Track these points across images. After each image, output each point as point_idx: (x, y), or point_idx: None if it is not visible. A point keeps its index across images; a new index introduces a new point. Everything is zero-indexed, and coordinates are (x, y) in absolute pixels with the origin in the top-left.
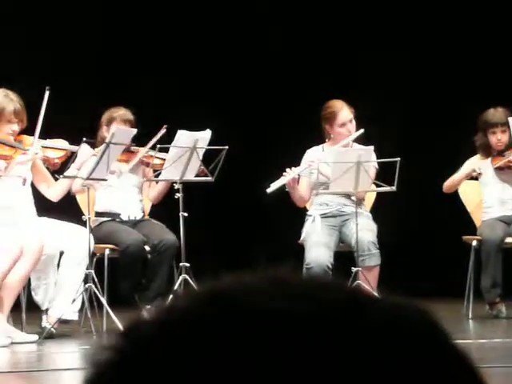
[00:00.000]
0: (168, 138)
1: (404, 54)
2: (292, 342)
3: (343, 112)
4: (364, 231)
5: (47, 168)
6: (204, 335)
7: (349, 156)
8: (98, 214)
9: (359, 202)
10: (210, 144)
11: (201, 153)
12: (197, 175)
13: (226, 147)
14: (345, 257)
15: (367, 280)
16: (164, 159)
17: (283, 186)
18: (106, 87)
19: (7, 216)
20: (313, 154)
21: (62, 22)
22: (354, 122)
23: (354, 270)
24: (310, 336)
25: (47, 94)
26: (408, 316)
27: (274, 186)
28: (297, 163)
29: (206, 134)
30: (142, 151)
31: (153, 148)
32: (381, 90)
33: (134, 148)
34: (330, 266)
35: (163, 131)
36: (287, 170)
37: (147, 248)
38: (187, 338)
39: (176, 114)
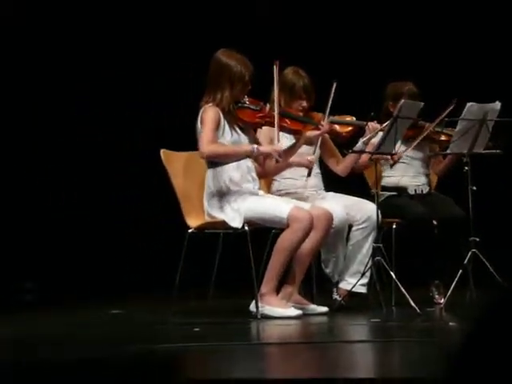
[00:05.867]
0: (456, 111)
1: None
2: None
3: None
4: None
5: (335, 144)
6: None
7: None
8: (385, 189)
9: None
10: (499, 116)
11: (490, 125)
12: (485, 148)
13: None
14: None
15: None
16: (450, 135)
17: None
18: (388, 60)
19: (298, 190)
20: None
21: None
22: None
23: None
24: None
25: (334, 85)
26: None
27: None
28: None
29: (495, 106)
30: (429, 127)
31: (440, 123)
32: None
33: (420, 122)
34: None
35: (452, 107)
36: None
37: (434, 222)
38: None
39: (464, 86)
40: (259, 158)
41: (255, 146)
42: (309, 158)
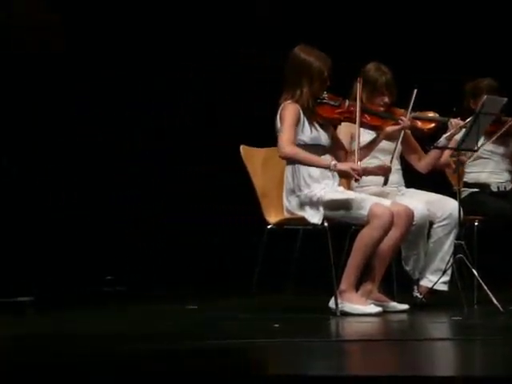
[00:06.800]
0: None
1: None
2: None
3: None
4: None
5: (417, 140)
6: None
7: None
8: (467, 185)
9: None
10: None
11: None
12: None
13: None
14: None
15: None
16: None
17: None
18: (464, 56)
19: (378, 187)
20: None
21: None
22: None
23: None
24: None
25: (415, 91)
26: None
27: None
28: None
29: None
30: (509, 122)
31: None
32: None
33: (504, 118)
34: None
35: None
36: None
37: None
38: None
39: None
40: (340, 155)
41: (334, 162)
42: (386, 166)
